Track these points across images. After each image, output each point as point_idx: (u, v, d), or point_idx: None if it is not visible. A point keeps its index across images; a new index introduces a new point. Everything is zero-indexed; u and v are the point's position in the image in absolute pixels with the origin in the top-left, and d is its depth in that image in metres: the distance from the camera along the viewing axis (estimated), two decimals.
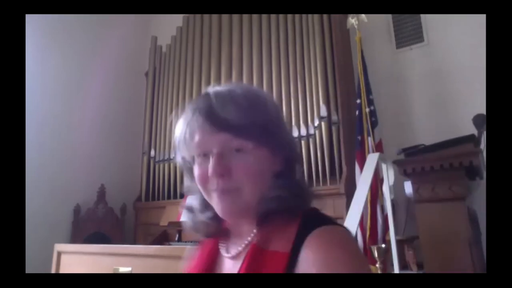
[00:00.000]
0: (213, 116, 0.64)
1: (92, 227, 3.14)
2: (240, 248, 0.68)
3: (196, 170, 0.67)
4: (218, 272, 0.70)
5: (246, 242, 0.68)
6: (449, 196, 1.70)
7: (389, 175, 1.96)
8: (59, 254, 2.24)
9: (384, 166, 1.93)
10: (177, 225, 2.79)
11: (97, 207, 3.23)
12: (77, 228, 3.10)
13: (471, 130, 1.95)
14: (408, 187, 1.90)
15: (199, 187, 0.68)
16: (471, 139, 1.79)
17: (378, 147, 2.35)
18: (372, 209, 2.21)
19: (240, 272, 0.62)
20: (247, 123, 0.63)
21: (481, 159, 1.75)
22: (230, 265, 0.69)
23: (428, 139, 2.11)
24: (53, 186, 3.04)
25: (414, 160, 1.82)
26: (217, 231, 0.73)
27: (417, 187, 1.79)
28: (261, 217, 0.65)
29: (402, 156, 1.96)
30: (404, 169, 1.82)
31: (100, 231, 3.15)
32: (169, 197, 3.24)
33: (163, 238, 3.03)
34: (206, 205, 0.71)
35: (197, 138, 0.65)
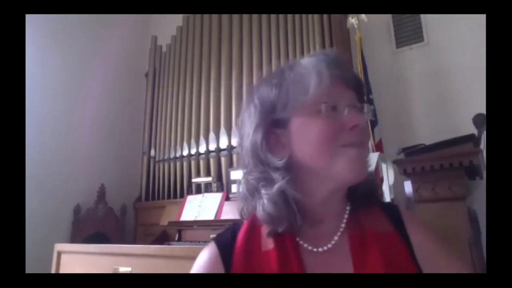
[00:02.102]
0: (347, 74, 0.64)
1: (92, 227, 3.14)
2: (336, 238, 0.62)
3: (321, 122, 0.59)
4: (312, 269, 0.60)
5: (341, 229, 0.63)
6: (449, 196, 1.70)
7: (389, 175, 1.96)
8: (59, 254, 2.24)
9: (384, 166, 1.93)
10: (177, 225, 2.78)
11: (97, 207, 3.22)
12: (77, 228, 3.10)
13: (471, 130, 1.95)
14: (408, 187, 1.89)
15: (320, 145, 0.59)
16: (471, 139, 1.78)
17: (378, 147, 2.35)
18: None
19: (356, 260, 0.60)
20: (363, 88, 0.68)
21: (481, 159, 1.75)
22: (324, 259, 0.61)
23: (428, 139, 2.11)
24: (53, 186, 3.03)
25: (414, 160, 1.81)
26: (298, 223, 0.61)
27: (417, 186, 1.79)
28: (361, 197, 0.65)
29: (402, 156, 1.96)
30: (404, 168, 1.82)
31: (100, 231, 3.15)
32: (169, 197, 3.23)
33: (163, 238, 3.02)
34: (298, 187, 0.62)
35: (330, 87, 0.61)
